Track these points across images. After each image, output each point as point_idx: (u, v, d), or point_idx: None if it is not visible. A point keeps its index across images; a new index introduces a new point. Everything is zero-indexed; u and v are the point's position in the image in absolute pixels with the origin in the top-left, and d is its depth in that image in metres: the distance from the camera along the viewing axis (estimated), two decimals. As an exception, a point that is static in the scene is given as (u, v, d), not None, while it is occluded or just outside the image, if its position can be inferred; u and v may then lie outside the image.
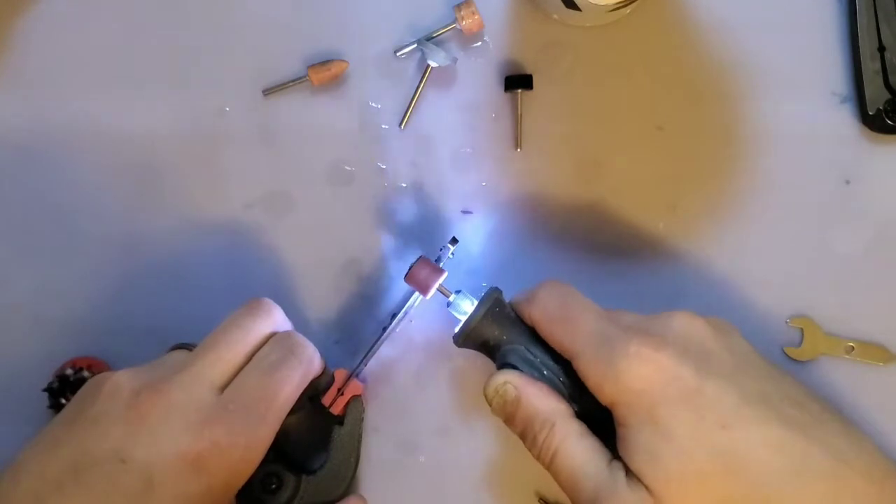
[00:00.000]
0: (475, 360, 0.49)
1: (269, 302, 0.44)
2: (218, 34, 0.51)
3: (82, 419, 0.39)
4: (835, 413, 0.40)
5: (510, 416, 0.41)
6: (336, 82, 0.50)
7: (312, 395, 0.45)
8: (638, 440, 0.37)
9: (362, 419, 0.47)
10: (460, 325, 0.43)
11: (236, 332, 0.41)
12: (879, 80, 0.49)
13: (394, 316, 0.46)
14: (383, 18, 0.50)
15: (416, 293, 0.45)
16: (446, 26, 0.49)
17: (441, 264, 0.44)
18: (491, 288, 0.44)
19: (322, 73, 0.49)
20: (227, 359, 0.41)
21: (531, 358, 0.42)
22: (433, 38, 0.50)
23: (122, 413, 0.38)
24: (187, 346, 0.43)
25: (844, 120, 0.50)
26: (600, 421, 0.40)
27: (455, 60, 0.49)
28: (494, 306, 0.43)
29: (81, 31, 0.51)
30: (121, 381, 0.39)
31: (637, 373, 0.37)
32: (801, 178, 0.50)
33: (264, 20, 0.51)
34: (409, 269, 0.44)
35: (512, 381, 0.41)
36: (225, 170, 0.50)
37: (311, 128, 0.50)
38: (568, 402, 0.41)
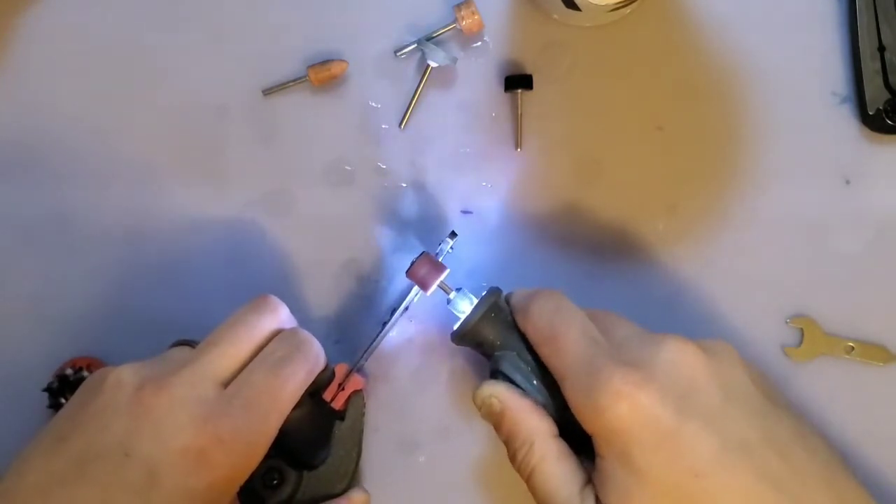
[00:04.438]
0: (475, 360, 0.51)
1: (274, 299, 0.45)
2: (218, 34, 0.52)
3: (85, 413, 0.40)
4: (827, 459, 0.40)
5: (495, 427, 0.43)
6: (336, 82, 0.51)
7: (313, 390, 0.47)
8: (611, 475, 0.39)
9: (363, 414, 0.49)
10: (458, 323, 0.45)
11: (241, 329, 0.43)
12: (879, 80, 0.51)
13: (394, 311, 0.47)
14: (383, 18, 0.52)
15: (414, 287, 0.46)
16: (446, 26, 0.51)
17: (441, 259, 0.46)
18: (491, 289, 0.45)
19: (322, 73, 0.51)
20: (232, 354, 0.42)
21: (522, 367, 0.44)
22: (433, 38, 0.51)
23: (125, 407, 0.39)
24: (190, 343, 0.44)
25: (844, 120, 0.52)
26: (584, 438, 0.41)
27: (455, 60, 0.51)
28: (491, 310, 0.44)
29: (81, 31, 0.53)
30: (123, 375, 0.41)
31: (615, 411, 0.38)
32: (801, 178, 0.51)
33: (264, 20, 0.52)
34: (412, 264, 0.45)
35: (497, 395, 0.43)
36: (225, 170, 0.52)
37: (311, 128, 0.52)
38: (553, 416, 0.42)
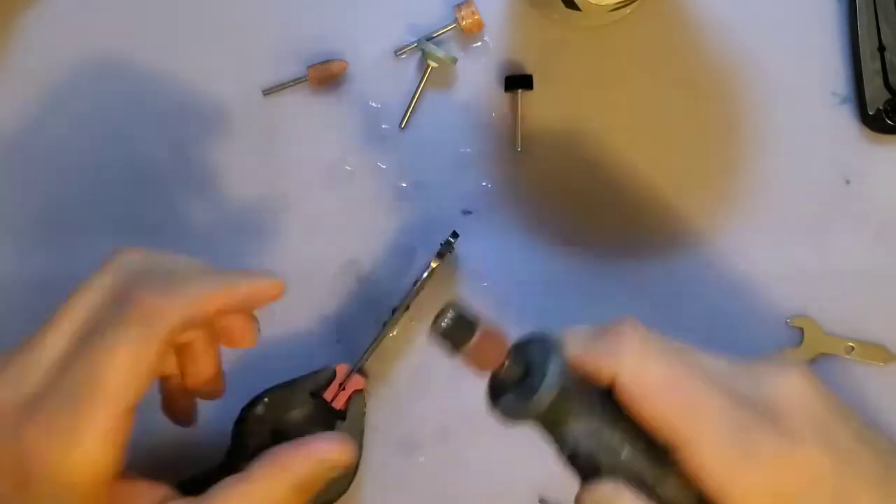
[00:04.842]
0: (475, 360, 0.51)
1: (117, 250, 0.38)
2: (218, 34, 0.53)
3: None
4: None
5: None
6: (336, 82, 0.52)
7: (314, 390, 0.47)
8: None
9: (364, 414, 0.49)
10: (508, 392, 0.35)
11: (70, 297, 0.36)
12: (879, 80, 0.51)
13: (394, 311, 0.47)
14: (383, 18, 0.52)
15: (415, 287, 0.46)
16: (446, 26, 0.51)
17: (443, 259, 0.45)
18: (544, 340, 0.35)
19: (322, 73, 0.51)
20: (53, 330, 0.35)
21: (606, 438, 0.34)
22: (433, 38, 0.51)
23: None
24: None
25: (844, 120, 0.52)
26: None
27: (455, 60, 0.51)
28: (563, 375, 0.34)
29: (81, 31, 0.53)
30: None
31: (781, 475, 0.33)
32: (801, 178, 0.52)
33: (264, 20, 0.52)
34: (452, 334, 0.34)
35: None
36: (225, 170, 0.52)
37: (311, 128, 0.52)
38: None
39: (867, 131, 0.51)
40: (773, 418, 0.34)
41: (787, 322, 0.51)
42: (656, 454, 0.34)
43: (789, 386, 0.35)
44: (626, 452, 0.34)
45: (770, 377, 0.35)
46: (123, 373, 0.34)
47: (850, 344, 0.50)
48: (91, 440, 0.33)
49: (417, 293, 0.47)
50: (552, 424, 0.35)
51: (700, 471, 0.33)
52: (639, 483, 0.34)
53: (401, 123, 0.52)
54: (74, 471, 0.33)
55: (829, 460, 0.34)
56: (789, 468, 0.33)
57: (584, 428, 0.34)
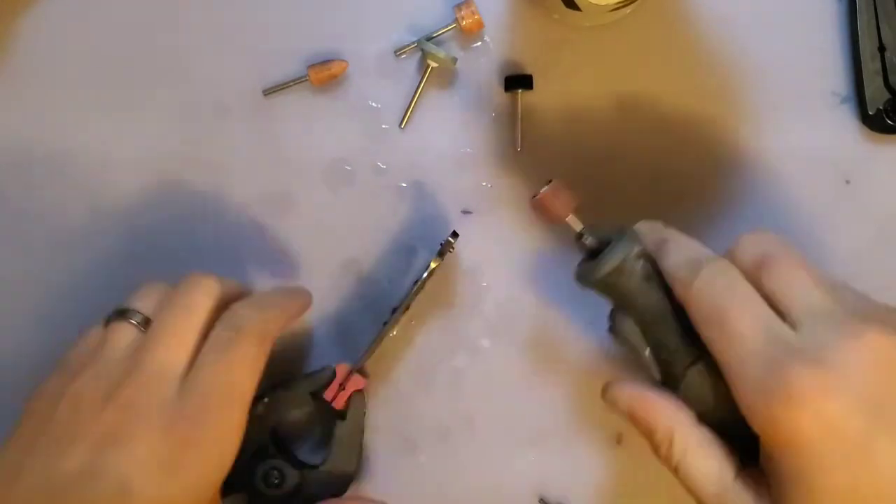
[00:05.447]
0: (475, 360, 0.51)
1: (202, 275, 0.43)
2: (218, 34, 0.53)
3: (44, 440, 0.38)
4: None
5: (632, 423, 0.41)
6: (336, 82, 0.52)
7: (314, 390, 0.47)
8: (782, 487, 0.35)
9: (364, 414, 0.49)
10: (590, 260, 0.42)
11: (179, 316, 0.41)
12: (879, 80, 0.51)
13: (394, 311, 0.48)
14: (383, 18, 0.52)
15: (415, 287, 0.46)
16: (446, 26, 0.51)
17: (443, 259, 0.46)
18: (630, 233, 0.41)
19: (322, 73, 0.51)
20: (176, 345, 0.40)
21: (660, 323, 0.40)
22: (433, 38, 0.51)
23: (87, 428, 0.38)
24: (126, 313, 0.43)
25: (844, 120, 0.52)
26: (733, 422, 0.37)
27: (455, 60, 0.51)
28: (639, 257, 0.40)
29: (81, 32, 0.53)
30: (78, 392, 0.39)
31: (793, 422, 0.34)
32: (801, 178, 0.51)
33: (264, 20, 0.53)
34: (537, 195, 0.42)
35: (623, 397, 0.40)
36: (225, 170, 0.52)
37: (311, 128, 0.52)
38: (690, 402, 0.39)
39: (867, 131, 0.51)
40: (817, 369, 0.34)
41: (787, 322, 0.51)
42: (712, 375, 0.38)
43: (865, 347, 0.35)
44: (666, 354, 0.39)
45: (854, 337, 0.35)
46: (252, 376, 0.41)
47: (851, 344, 0.50)
48: (235, 432, 0.40)
49: (417, 293, 0.47)
50: (615, 299, 0.41)
51: (734, 395, 0.36)
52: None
53: (401, 123, 0.52)
54: (225, 463, 0.39)
55: (861, 424, 0.33)
56: (806, 420, 0.33)
57: (629, 321, 0.40)
